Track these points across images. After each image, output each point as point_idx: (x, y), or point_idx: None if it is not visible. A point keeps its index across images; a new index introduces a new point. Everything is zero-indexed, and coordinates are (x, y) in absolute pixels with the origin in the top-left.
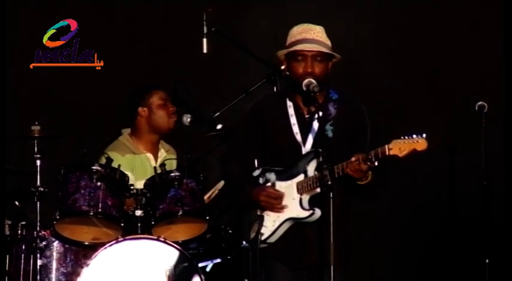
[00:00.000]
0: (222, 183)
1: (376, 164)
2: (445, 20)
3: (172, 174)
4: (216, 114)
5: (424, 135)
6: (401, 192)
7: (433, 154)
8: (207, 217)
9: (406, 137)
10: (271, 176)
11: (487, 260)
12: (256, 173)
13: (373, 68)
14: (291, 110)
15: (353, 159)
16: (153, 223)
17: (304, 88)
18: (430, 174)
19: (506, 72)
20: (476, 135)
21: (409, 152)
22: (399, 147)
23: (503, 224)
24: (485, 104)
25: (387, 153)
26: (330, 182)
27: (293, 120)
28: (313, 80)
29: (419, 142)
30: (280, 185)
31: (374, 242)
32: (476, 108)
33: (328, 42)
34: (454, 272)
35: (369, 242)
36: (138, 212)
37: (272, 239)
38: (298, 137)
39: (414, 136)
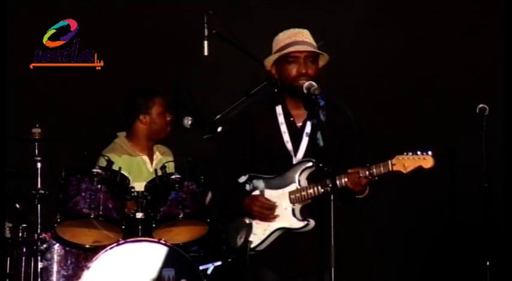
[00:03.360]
0: None
1: (376, 178)
2: (445, 23)
3: (173, 176)
4: (217, 117)
5: (430, 152)
6: (402, 194)
7: (434, 155)
8: (208, 220)
9: (410, 153)
10: (260, 183)
11: (487, 263)
12: (243, 179)
13: (373, 71)
14: (281, 118)
15: (350, 171)
16: (154, 225)
17: (305, 91)
18: (431, 177)
19: (507, 75)
20: (477, 138)
21: (415, 169)
22: (403, 163)
23: (503, 227)
24: (486, 106)
25: (390, 169)
26: (330, 186)
27: (283, 128)
28: (314, 83)
29: (426, 160)
30: (270, 194)
31: (375, 245)
32: (477, 111)
33: (315, 45)
34: (455, 275)
35: (370, 245)
36: (139, 215)
37: (261, 247)
38: (289, 146)
39: (419, 153)
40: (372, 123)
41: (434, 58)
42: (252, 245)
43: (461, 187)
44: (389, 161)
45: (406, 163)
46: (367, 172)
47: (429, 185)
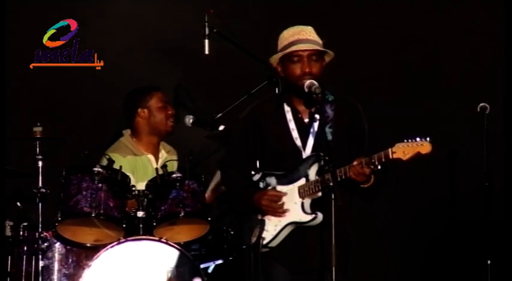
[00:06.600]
0: (218, 175)
1: (379, 167)
2: (446, 22)
3: (174, 175)
4: (218, 116)
5: (428, 138)
6: (403, 194)
7: (434, 155)
8: (209, 218)
9: (410, 140)
10: (272, 180)
11: (488, 262)
12: (257, 177)
13: (373, 70)
14: (289, 115)
15: (355, 163)
16: (154, 224)
17: (306, 90)
18: (431, 176)
19: (508, 74)
20: (478, 136)
21: (413, 156)
22: (403, 150)
23: (504, 226)
24: (487, 105)
25: (391, 156)
26: (331, 184)
27: (292, 125)
28: (314, 82)
29: (423, 145)
30: (281, 189)
31: (376, 244)
32: (478, 109)
33: (320, 41)
34: (456, 274)
35: (371, 245)
36: (140, 214)
37: (274, 243)
38: (298, 142)
39: (418, 139)
40: (372, 123)
41: (435, 57)
42: (265, 242)
43: (462, 186)
44: (390, 149)
45: (405, 150)
46: (369, 161)
47: (430, 185)
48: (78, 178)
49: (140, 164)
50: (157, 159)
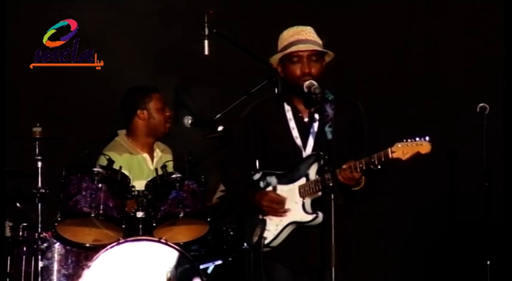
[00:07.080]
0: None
1: (379, 167)
2: (446, 22)
3: (173, 176)
4: (217, 116)
5: (428, 138)
6: (403, 194)
7: (434, 155)
8: (209, 219)
9: (409, 140)
10: (272, 179)
11: (488, 262)
12: (257, 176)
13: (373, 70)
14: (289, 114)
15: (344, 166)
16: (154, 224)
17: (306, 90)
18: (431, 176)
19: (508, 74)
20: (478, 137)
21: (413, 155)
22: (402, 150)
23: (504, 226)
24: (486, 105)
25: (390, 156)
26: (331, 184)
27: (292, 124)
28: (314, 82)
29: (423, 145)
30: (282, 189)
31: (376, 244)
32: (478, 110)
33: (320, 41)
34: (456, 274)
35: (371, 245)
36: (140, 214)
37: (275, 243)
38: (299, 141)
39: (417, 139)
40: (372, 122)
41: (435, 57)
42: (266, 241)
43: (462, 186)
44: (389, 149)
45: (404, 149)
46: (369, 161)
47: (430, 185)
48: (77, 178)
49: (136, 163)
50: (152, 158)
